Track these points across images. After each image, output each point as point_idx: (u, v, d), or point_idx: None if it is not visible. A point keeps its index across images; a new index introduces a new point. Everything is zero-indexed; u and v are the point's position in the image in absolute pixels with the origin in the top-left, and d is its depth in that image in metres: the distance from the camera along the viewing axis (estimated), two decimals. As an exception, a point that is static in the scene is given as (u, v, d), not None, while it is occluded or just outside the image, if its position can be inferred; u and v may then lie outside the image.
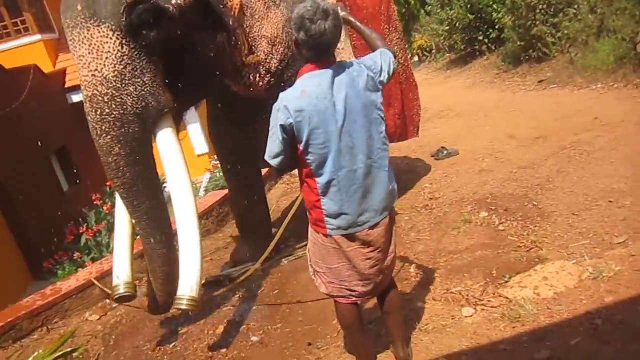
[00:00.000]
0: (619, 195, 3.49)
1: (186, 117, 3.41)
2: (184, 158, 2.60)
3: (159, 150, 2.59)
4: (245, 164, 3.67)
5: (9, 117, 6.88)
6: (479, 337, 2.40)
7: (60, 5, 2.40)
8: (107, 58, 2.33)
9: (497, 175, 4.54)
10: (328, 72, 1.90)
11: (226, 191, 4.71)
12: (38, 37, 9.62)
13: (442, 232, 3.67)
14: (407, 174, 5.14)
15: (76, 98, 8.83)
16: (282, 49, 3.04)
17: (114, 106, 2.35)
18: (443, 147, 5.59)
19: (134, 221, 2.57)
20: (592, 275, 2.58)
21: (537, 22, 8.41)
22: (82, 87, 2.40)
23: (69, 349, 2.92)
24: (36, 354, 2.65)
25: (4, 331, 3.26)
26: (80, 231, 6.27)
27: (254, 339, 2.92)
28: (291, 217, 3.05)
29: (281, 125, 1.88)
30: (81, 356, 3.07)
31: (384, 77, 2.03)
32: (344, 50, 2.91)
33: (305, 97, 1.86)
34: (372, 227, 2.05)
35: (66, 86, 9.28)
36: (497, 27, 10.37)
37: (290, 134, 1.90)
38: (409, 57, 6.78)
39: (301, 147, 1.92)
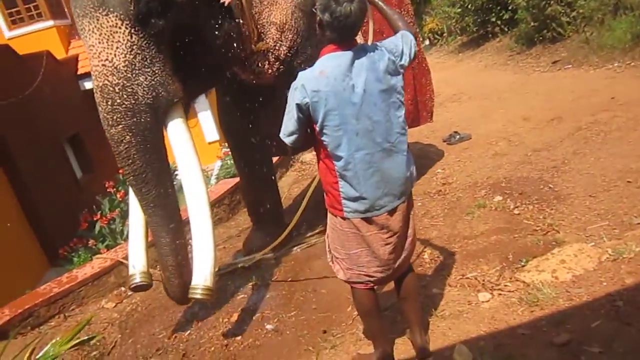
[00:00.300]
0: (638, 174, 3.42)
1: (196, 105, 3.40)
2: (194, 147, 2.59)
3: (169, 139, 2.57)
4: (256, 151, 3.65)
5: (23, 104, 6.88)
6: (496, 322, 2.37)
7: (70, -7, 2.38)
8: (117, 47, 2.30)
9: (511, 158, 4.47)
10: (348, 54, 1.87)
11: (237, 179, 4.71)
12: (51, 22, 9.60)
13: (456, 218, 3.62)
14: (420, 159, 5.07)
15: (88, 85, 8.83)
16: (291, 36, 2.99)
17: (125, 96, 2.34)
18: (455, 132, 5.52)
19: (142, 209, 2.56)
20: (612, 257, 2.54)
21: (551, 2, 8.26)
22: (93, 77, 2.38)
23: (86, 337, 2.96)
24: (54, 340, 2.69)
25: (22, 318, 3.30)
26: (95, 218, 6.36)
27: (269, 326, 2.92)
28: (304, 206, 3.02)
29: (297, 104, 1.87)
30: (98, 343, 3.11)
31: (405, 60, 2.00)
32: (366, 32, 2.86)
33: (323, 78, 1.84)
34: (390, 212, 2.02)
35: (78, 73, 9.27)
36: (510, 7, 10.19)
37: (306, 114, 1.88)
38: (420, 40, 6.68)
39: (317, 128, 1.90)
